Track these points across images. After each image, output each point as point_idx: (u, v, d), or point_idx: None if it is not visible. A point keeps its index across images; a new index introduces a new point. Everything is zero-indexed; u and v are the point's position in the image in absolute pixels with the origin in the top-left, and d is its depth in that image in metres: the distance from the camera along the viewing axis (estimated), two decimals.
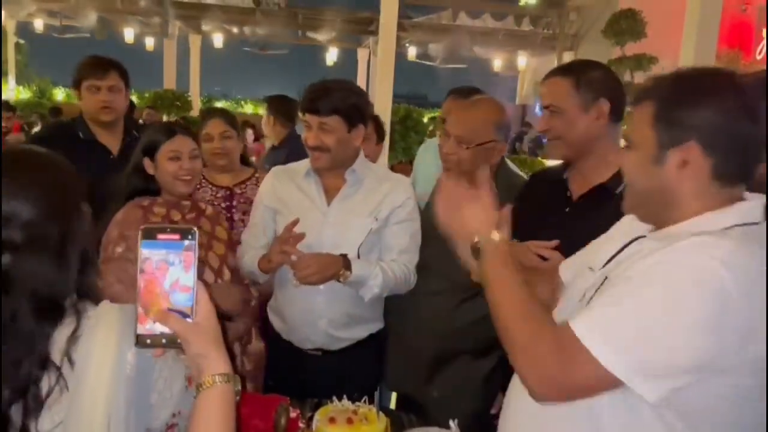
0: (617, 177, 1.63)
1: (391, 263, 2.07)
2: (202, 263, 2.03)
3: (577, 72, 1.73)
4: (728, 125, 1.10)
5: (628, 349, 1.01)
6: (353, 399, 1.65)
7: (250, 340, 2.22)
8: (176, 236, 0.91)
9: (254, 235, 2.16)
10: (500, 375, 2.00)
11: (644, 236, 1.21)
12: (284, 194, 2.12)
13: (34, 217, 1.03)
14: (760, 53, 8.62)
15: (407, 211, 2.11)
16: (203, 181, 2.71)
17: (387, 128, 3.68)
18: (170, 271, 0.91)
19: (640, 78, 7.65)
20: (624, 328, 1.03)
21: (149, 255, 0.91)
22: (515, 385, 1.28)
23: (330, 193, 2.09)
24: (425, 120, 10.13)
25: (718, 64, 4.91)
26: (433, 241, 2.18)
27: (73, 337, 1.01)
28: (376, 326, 2.19)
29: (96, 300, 1.07)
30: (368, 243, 2.05)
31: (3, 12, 11.25)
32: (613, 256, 1.24)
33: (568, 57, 10.95)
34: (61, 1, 10.98)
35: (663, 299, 1.02)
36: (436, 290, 2.10)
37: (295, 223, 1.93)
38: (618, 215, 1.53)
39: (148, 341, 0.92)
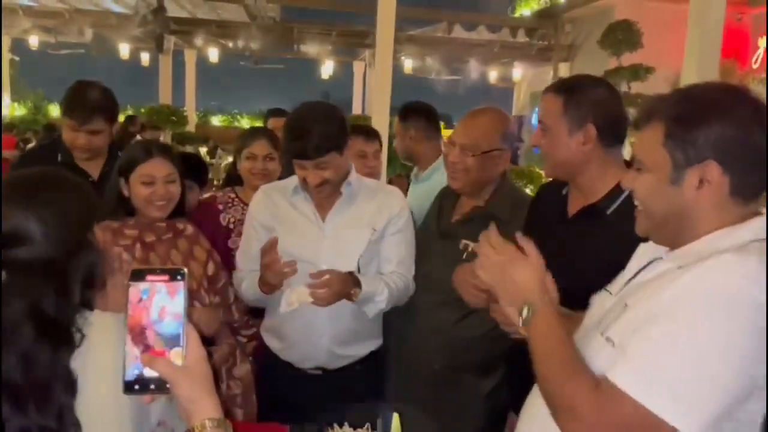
0: (609, 196, 1.63)
1: (392, 275, 2.06)
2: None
3: (569, 92, 1.68)
4: (744, 140, 1.07)
5: (678, 391, 0.98)
6: (354, 423, 1.60)
7: (236, 362, 2.15)
8: (165, 277, 0.90)
9: (250, 258, 2.09)
10: (505, 393, 1.95)
11: (660, 258, 1.18)
12: (277, 211, 2.08)
13: (40, 238, 1.05)
14: (756, 62, 8.64)
15: (403, 221, 2.09)
16: (235, 199, 2.68)
17: (385, 142, 3.65)
18: (159, 313, 0.89)
19: (637, 88, 7.64)
20: (669, 371, 0.99)
21: (137, 296, 0.89)
22: (533, 407, 1.25)
23: (323, 208, 2.05)
24: None
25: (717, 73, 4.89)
26: (434, 253, 2.15)
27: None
28: (375, 343, 2.16)
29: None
30: (367, 255, 2.03)
31: None
32: (631, 279, 1.21)
33: (563, 68, 10.98)
34: (56, 18, 10.97)
35: (701, 331, 0.98)
36: (439, 303, 2.07)
37: (271, 244, 1.87)
38: (609, 235, 1.55)
39: (137, 387, 0.89)
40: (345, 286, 1.89)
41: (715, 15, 4.70)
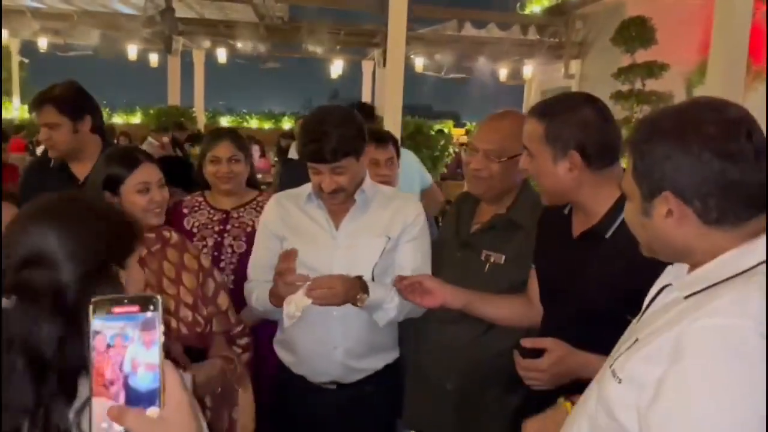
0: (607, 218, 1.57)
1: None
2: (176, 300, 1.90)
3: (549, 117, 1.59)
4: (696, 170, 1.01)
5: None
6: None
7: (234, 389, 2.03)
8: (135, 308, 0.75)
9: (261, 268, 2.05)
10: (531, 411, 1.87)
11: (670, 284, 1.14)
12: (291, 220, 2.02)
13: (62, 262, 0.99)
14: None
15: (418, 228, 2.02)
16: (202, 203, 2.61)
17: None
18: (129, 351, 0.74)
19: (651, 85, 7.53)
20: None
21: (102, 332, 0.74)
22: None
23: (337, 215, 1.99)
24: (433, 132, 10.04)
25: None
26: (454, 264, 2.08)
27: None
28: (391, 356, 2.09)
29: None
30: (382, 264, 1.96)
31: (6, 32, 11.26)
32: (647, 307, 1.18)
33: (575, 65, 10.88)
34: (65, 20, 10.97)
35: (714, 405, 0.94)
36: (459, 317, 1.99)
37: (290, 254, 1.81)
38: (610, 258, 1.52)
39: None
40: (349, 289, 1.83)
41: (742, 9, 4.58)
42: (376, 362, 2.07)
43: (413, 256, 2.03)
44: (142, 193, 1.87)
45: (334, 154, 1.84)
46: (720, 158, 1.00)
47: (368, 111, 4.38)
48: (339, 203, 1.97)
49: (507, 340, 1.85)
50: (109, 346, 0.74)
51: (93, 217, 1.09)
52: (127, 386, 0.75)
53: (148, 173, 1.89)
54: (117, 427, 0.74)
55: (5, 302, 0.96)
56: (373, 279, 1.97)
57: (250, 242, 2.42)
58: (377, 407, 2.08)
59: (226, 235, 2.54)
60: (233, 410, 1.96)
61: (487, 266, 1.98)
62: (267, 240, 2.07)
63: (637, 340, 1.08)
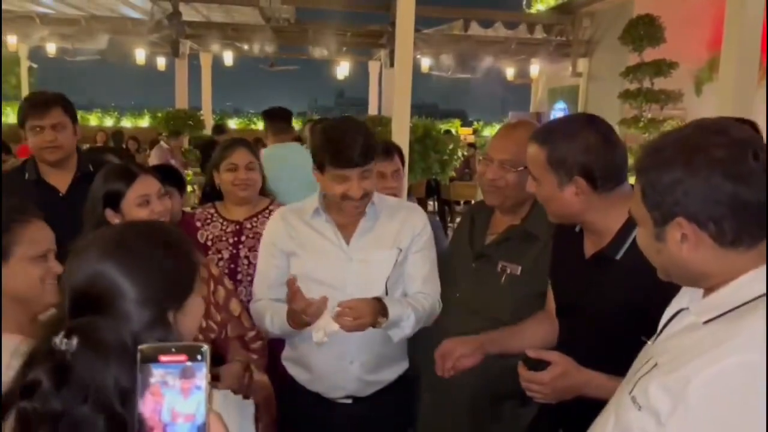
0: (617, 239, 1.54)
1: (418, 297, 1.98)
2: None
3: (550, 144, 1.56)
4: (707, 194, 1.01)
5: None
6: None
7: (252, 378, 2.05)
8: (182, 357, 0.75)
9: (269, 286, 2.02)
10: (546, 424, 1.86)
11: (686, 308, 1.13)
12: (298, 236, 1.99)
13: (131, 297, 0.95)
14: None
15: (426, 239, 2.03)
16: (215, 215, 2.60)
17: (406, 148, 3.56)
18: (167, 400, 0.74)
19: (660, 83, 7.49)
20: None
21: (151, 382, 0.74)
22: None
23: (346, 229, 1.98)
24: (441, 132, 10.02)
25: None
26: (469, 275, 2.07)
27: None
28: (402, 367, 2.09)
29: None
30: (393, 276, 1.96)
31: (15, 37, 11.32)
32: (663, 327, 1.17)
33: (582, 63, 10.84)
34: (72, 25, 11.03)
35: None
36: (474, 329, 1.98)
37: (290, 283, 1.81)
38: (621, 281, 1.51)
39: None
40: (373, 315, 1.83)
41: (754, 5, 4.53)
42: (390, 374, 2.06)
43: (423, 266, 2.03)
44: (143, 206, 1.87)
45: (364, 157, 1.84)
46: (731, 180, 1.00)
47: (285, 115, 4.47)
48: (361, 211, 1.96)
49: (523, 354, 1.84)
50: (151, 394, 0.74)
51: (161, 254, 1.04)
52: None
53: (146, 186, 1.89)
54: None
55: (65, 343, 0.89)
56: (386, 292, 1.96)
57: None
58: (391, 419, 2.08)
59: (241, 246, 2.52)
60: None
61: (504, 277, 1.97)
62: (274, 258, 2.03)
63: (656, 364, 1.07)
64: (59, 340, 0.88)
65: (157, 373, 0.75)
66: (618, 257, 1.55)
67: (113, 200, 1.87)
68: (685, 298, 1.17)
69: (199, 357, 0.75)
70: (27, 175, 2.54)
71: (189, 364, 0.75)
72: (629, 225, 1.53)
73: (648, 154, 1.11)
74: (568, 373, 1.47)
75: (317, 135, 1.92)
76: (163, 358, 0.75)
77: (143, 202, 1.87)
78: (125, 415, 0.86)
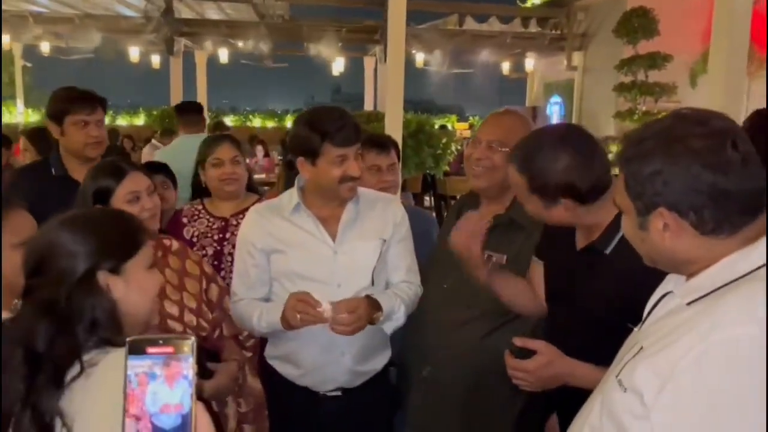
0: (606, 234, 1.57)
1: (402, 287, 2.02)
2: (180, 306, 1.91)
3: (529, 171, 1.56)
4: (687, 184, 1.03)
5: None
6: None
7: (245, 378, 2.06)
8: (169, 349, 0.77)
9: (249, 285, 2.01)
10: (536, 413, 1.87)
11: (671, 292, 1.15)
12: (278, 232, 1.98)
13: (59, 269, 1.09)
14: None
15: (405, 228, 2.06)
16: (202, 211, 2.59)
17: (399, 143, 3.56)
18: (150, 390, 0.76)
19: (654, 76, 7.50)
20: None
21: (136, 372, 0.76)
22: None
23: (328, 223, 1.97)
24: (435, 126, 10.00)
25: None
26: (455, 265, 2.08)
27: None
28: (387, 355, 2.12)
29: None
30: (378, 267, 1.99)
31: (8, 36, 11.30)
32: (649, 313, 1.19)
33: (577, 57, 10.84)
34: (66, 24, 11.00)
35: (726, 413, 0.95)
36: (464, 320, 1.99)
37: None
38: (610, 274, 1.54)
39: None
40: (369, 313, 1.84)
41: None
42: (378, 363, 2.08)
43: (405, 256, 2.06)
44: (133, 203, 1.86)
45: (357, 134, 1.89)
46: (710, 170, 1.02)
47: (196, 108, 4.59)
48: (354, 194, 1.97)
49: (510, 343, 1.84)
50: (137, 383, 0.76)
51: (99, 213, 1.19)
52: (152, 424, 0.76)
53: (136, 182, 1.88)
54: None
55: (14, 307, 1.08)
56: (372, 283, 1.97)
57: None
58: (378, 407, 2.10)
59: (225, 243, 2.52)
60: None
61: (490, 267, 1.98)
62: (252, 257, 2.01)
63: (642, 348, 1.09)
64: (13, 306, 1.07)
65: (144, 364, 0.76)
66: (608, 251, 1.57)
67: (103, 197, 1.86)
68: (669, 283, 1.19)
69: (186, 349, 0.77)
70: (54, 171, 2.55)
71: (176, 355, 0.77)
72: (618, 221, 1.51)
73: (630, 145, 1.12)
74: (552, 362, 1.51)
75: (302, 125, 1.90)
76: (150, 349, 0.77)
77: (133, 198, 1.86)
78: (47, 355, 1.04)
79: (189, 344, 0.78)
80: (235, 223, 2.54)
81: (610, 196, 1.53)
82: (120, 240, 1.21)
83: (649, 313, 1.20)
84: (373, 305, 1.86)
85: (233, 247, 2.46)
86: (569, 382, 1.51)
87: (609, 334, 1.31)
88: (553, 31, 11.06)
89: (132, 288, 1.18)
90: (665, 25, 7.54)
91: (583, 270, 1.62)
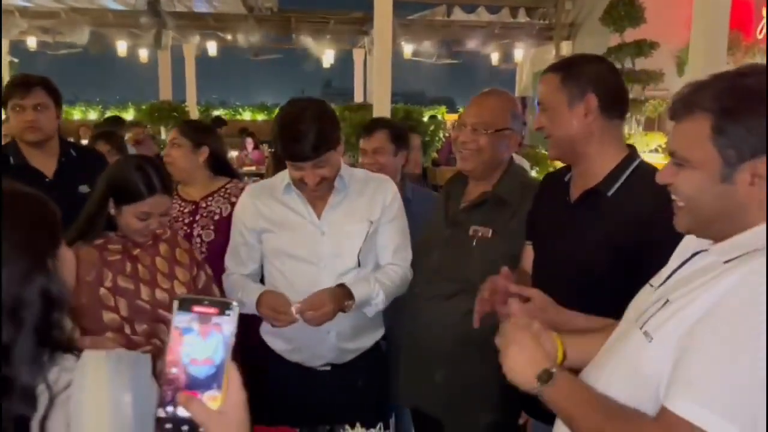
0: (609, 179, 1.60)
1: (388, 269, 2.04)
2: (171, 294, 1.93)
3: (566, 66, 1.67)
4: None
5: (742, 414, 0.95)
6: (367, 423, 1.57)
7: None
8: (213, 310, 0.84)
9: (240, 262, 2.10)
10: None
11: (705, 250, 1.13)
12: (269, 212, 2.03)
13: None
14: (760, 33, 8.49)
15: (396, 208, 2.08)
16: (174, 196, 2.62)
17: None
18: (201, 349, 0.83)
19: (641, 64, 7.54)
20: (732, 394, 0.96)
21: (180, 328, 0.83)
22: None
23: (317, 204, 2.01)
24: (425, 119, 10.01)
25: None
26: (442, 242, 2.12)
27: (53, 404, 0.94)
28: (379, 333, 2.17)
29: (78, 351, 1.00)
30: (365, 248, 2.02)
31: None
32: (673, 272, 1.17)
33: (565, 46, 10.85)
34: (53, 18, 10.92)
35: (761, 348, 0.94)
36: (449, 294, 2.03)
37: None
38: (611, 217, 1.54)
39: (168, 426, 0.83)
40: (339, 304, 1.89)
41: None
42: (368, 341, 2.13)
43: (394, 236, 2.09)
44: (141, 219, 1.87)
45: (315, 151, 1.85)
46: None
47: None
48: (321, 194, 1.99)
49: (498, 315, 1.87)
50: (182, 335, 0.83)
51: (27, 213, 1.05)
52: (186, 372, 0.82)
53: (156, 205, 1.87)
54: (181, 411, 0.81)
55: None
56: (359, 264, 2.01)
57: (217, 230, 2.45)
58: (370, 382, 2.14)
59: (195, 225, 2.54)
60: None
61: (475, 241, 2.02)
62: (242, 236, 2.08)
63: (668, 301, 1.10)
64: None
65: (184, 319, 0.83)
66: (609, 193, 1.60)
67: (122, 198, 1.86)
68: (690, 246, 1.18)
69: (228, 311, 0.84)
70: (12, 160, 2.53)
71: (218, 316, 0.84)
72: (624, 164, 1.61)
73: (724, 90, 1.07)
74: (547, 309, 1.52)
75: (276, 121, 1.92)
76: (195, 308, 0.83)
77: (144, 217, 1.87)
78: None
79: (230, 307, 0.84)
80: (204, 205, 2.56)
81: (618, 140, 1.66)
82: (51, 227, 1.09)
83: (673, 272, 1.19)
84: (344, 295, 1.91)
85: (202, 228, 2.49)
86: (562, 330, 1.45)
87: (605, 293, 1.35)
88: (542, 21, 11.08)
89: (66, 269, 1.09)
90: (652, 14, 7.56)
91: (580, 220, 1.65)
